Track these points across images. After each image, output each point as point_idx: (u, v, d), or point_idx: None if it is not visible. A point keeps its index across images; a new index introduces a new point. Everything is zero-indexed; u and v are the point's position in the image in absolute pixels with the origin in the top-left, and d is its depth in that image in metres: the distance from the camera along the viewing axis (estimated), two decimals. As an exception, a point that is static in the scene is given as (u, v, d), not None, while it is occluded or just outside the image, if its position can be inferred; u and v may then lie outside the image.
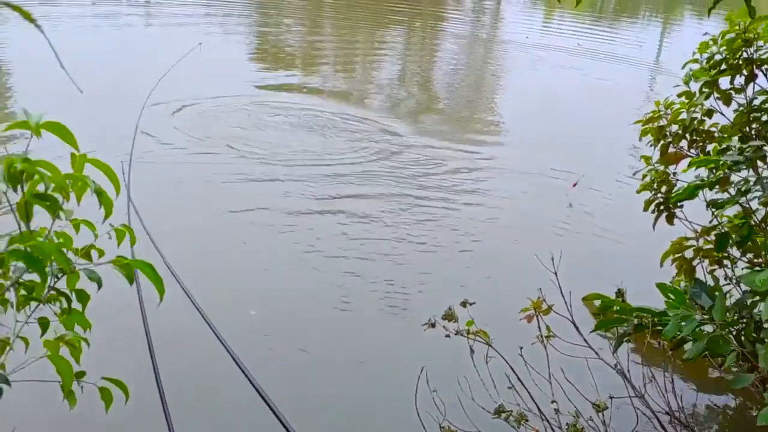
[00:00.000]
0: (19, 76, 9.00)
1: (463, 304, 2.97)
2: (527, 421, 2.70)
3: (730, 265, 3.58)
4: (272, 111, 8.39)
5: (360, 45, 13.58)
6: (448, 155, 7.49)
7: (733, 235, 2.97)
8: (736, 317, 3.07)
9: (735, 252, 3.54)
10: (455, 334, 2.93)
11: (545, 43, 14.77)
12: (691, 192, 2.87)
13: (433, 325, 2.87)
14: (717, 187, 2.96)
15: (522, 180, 6.93)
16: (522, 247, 5.47)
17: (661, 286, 2.46)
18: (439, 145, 7.83)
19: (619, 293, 3.26)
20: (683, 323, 2.38)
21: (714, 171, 3.04)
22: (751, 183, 2.80)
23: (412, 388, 3.10)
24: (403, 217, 5.76)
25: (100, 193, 1.41)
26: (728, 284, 3.62)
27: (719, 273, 3.64)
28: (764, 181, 2.65)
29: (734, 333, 2.92)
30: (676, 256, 3.65)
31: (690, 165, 2.88)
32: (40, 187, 1.32)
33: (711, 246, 3.58)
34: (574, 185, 5.99)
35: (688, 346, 3.67)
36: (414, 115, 9.14)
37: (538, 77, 12.00)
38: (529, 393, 3.13)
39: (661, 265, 3.78)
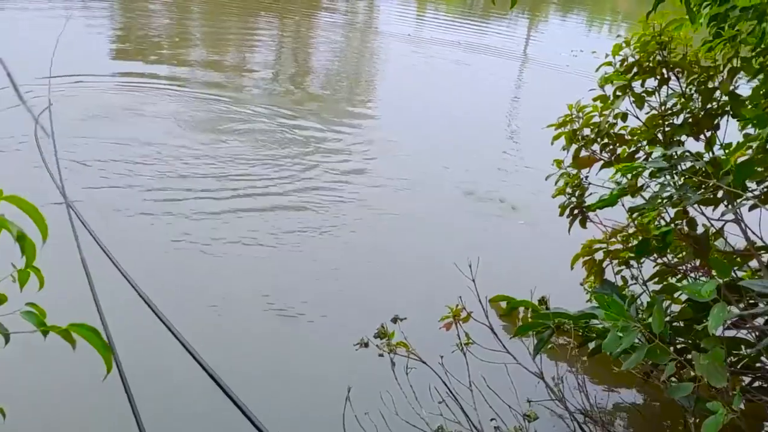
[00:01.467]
0: None
1: (394, 320, 2.83)
2: (465, 439, 2.60)
3: (636, 265, 3.66)
4: (143, 97, 7.94)
5: (233, 33, 13.06)
6: (333, 143, 7.40)
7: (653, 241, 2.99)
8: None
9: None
10: (389, 353, 2.78)
11: (422, 36, 14.92)
12: (614, 199, 2.87)
13: (366, 345, 2.71)
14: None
15: (414, 168, 6.89)
16: (418, 240, 5.43)
17: (599, 298, 2.42)
18: (325, 131, 7.71)
19: (542, 301, 3.23)
20: (622, 335, 2.35)
21: (629, 177, 3.07)
22: (670, 189, 2.83)
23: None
24: (282, 212, 5.55)
25: (22, 238, 1.13)
26: (634, 284, 3.71)
27: (626, 273, 3.74)
28: (686, 187, 2.68)
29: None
30: (586, 258, 3.70)
31: (615, 171, 2.87)
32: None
33: (619, 247, 3.66)
34: None
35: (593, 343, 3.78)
36: (295, 101, 8.94)
37: (420, 69, 12.07)
38: (457, 402, 3.05)
39: (572, 268, 3.83)
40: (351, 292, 4.51)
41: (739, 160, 2.09)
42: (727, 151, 3.20)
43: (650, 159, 2.88)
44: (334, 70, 11.55)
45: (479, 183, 6.67)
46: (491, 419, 2.80)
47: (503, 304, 4.37)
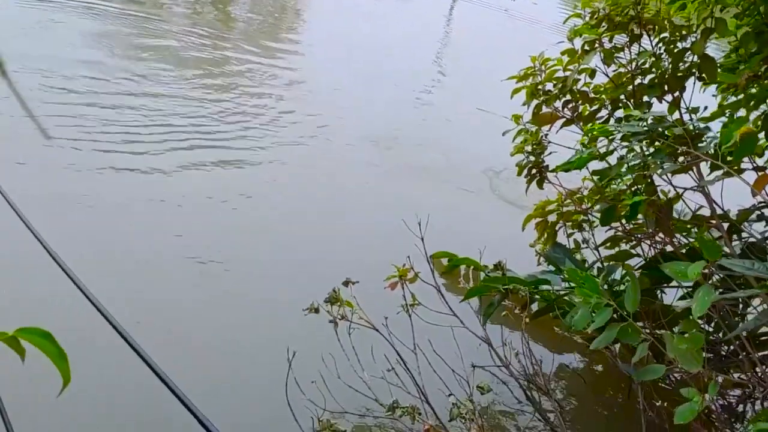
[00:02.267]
0: None
1: (346, 283, 2.61)
2: (419, 414, 2.44)
3: (588, 229, 3.56)
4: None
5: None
6: (261, 73, 6.98)
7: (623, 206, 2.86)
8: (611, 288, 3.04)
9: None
10: (341, 319, 2.56)
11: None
12: (584, 162, 2.70)
13: (316, 311, 2.48)
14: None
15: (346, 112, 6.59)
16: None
17: (572, 273, 2.26)
18: (252, 61, 7.27)
19: (498, 266, 3.07)
20: (594, 312, 2.21)
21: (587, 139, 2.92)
22: (638, 156, 2.69)
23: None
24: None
25: None
26: (586, 248, 3.61)
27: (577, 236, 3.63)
28: (661, 155, 2.54)
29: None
30: (539, 220, 3.56)
31: (586, 133, 2.69)
32: None
33: (571, 209, 3.54)
34: None
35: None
36: (222, 26, 8.44)
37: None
38: (406, 367, 2.88)
39: (523, 229, 3.69)
40: (281, 251, 4.21)
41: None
42: (694, 115, 3.08)
43: (613, 120, 2.71)
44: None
45: (420, 134, 6.47)
46: (449, 395, 2.61)
47: (444, 264, 4.22)
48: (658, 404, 2.59)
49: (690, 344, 2.02)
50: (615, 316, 2.25)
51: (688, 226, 3.22)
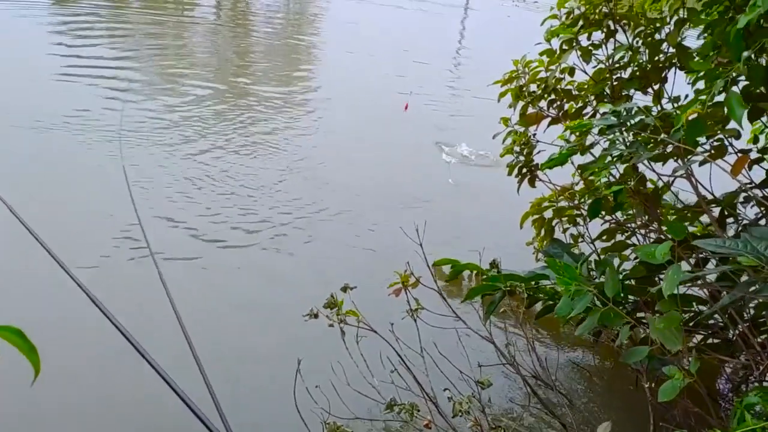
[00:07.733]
0: None
1: (344, 289, 2.71)
2: (418, 410, 2.52)
3: (583, 224, 3.62)
4: None
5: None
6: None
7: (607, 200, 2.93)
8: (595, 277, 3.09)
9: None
10: (339, 323, 2.66)
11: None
12: (564, 158, 2.79)
13: (315, 316, 2.59)
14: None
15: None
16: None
17: (551, 261, 2.34)
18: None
19: (493, 264, 3.15)
20: (574, 299, 2.28)
21: (578, 135, 2.99)
22: (620, 146, 2.76)
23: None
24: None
25: None
26: (583, 242, 3.68)
27: (573, 231, 3.70)
28: (637, 144, 2.61)
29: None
30: (535, 217, 3.64)
31: (564, 129, 2.78)
32: None
33: (566, 204, 3.61)
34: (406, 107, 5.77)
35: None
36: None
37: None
38: (409, 370, 2.96)
39: (521, 227, 3.76)
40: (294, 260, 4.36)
41: (691, 117, 2.01)
42: (676, 104, 3.15)
43: (599, 116, 2.78)
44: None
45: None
46: (444, 389, 2.68)
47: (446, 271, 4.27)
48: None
49: (667, 323, 2.09)
50: (599, 303, 2.32)
51: (686, 213, 3.26)
